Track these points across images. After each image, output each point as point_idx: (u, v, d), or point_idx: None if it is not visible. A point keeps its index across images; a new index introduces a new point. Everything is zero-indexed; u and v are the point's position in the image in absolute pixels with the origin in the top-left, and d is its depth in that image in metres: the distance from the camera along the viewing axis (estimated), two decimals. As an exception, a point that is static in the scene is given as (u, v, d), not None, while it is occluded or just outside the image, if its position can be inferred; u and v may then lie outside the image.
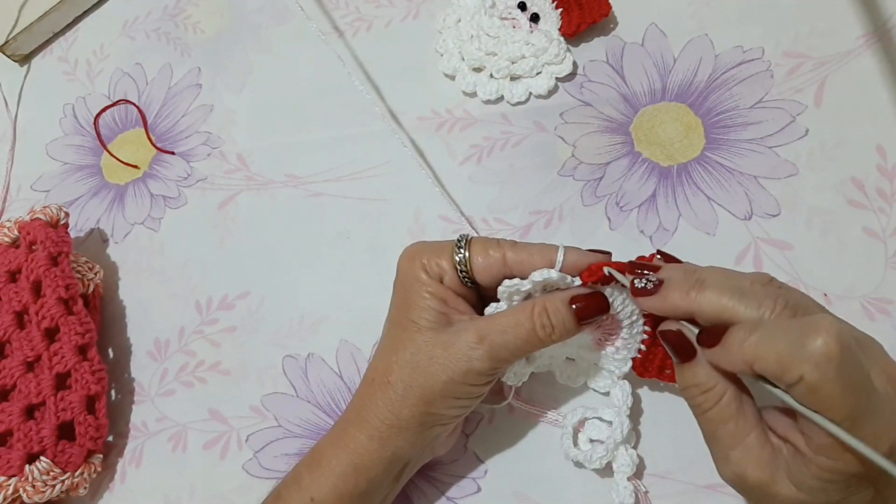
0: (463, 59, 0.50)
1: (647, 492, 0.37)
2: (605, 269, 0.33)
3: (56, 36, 0.63)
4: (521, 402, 0.40)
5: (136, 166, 0.55)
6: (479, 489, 0.40)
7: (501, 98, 0.49)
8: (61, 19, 0.62)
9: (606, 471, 0.38)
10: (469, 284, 0.35)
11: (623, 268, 0.33)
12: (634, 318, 0.35)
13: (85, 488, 0.43)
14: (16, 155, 0.58)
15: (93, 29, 0.62)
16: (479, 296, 0.36)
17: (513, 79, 0.49)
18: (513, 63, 0.49)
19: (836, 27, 0.46)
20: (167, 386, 0.47)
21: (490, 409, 0.41)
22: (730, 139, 0.44)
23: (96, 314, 0.48)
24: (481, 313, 0.35)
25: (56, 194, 0.55)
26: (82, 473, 0.42)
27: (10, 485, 0.41)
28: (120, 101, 0.57)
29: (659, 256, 0.34)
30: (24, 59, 0.62)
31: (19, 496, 0.41)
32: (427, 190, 0.45)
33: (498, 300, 0.35)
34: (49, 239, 0.46)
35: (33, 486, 0.41)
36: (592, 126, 0.47)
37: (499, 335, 0.33)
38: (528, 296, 0.35)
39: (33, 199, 0.56)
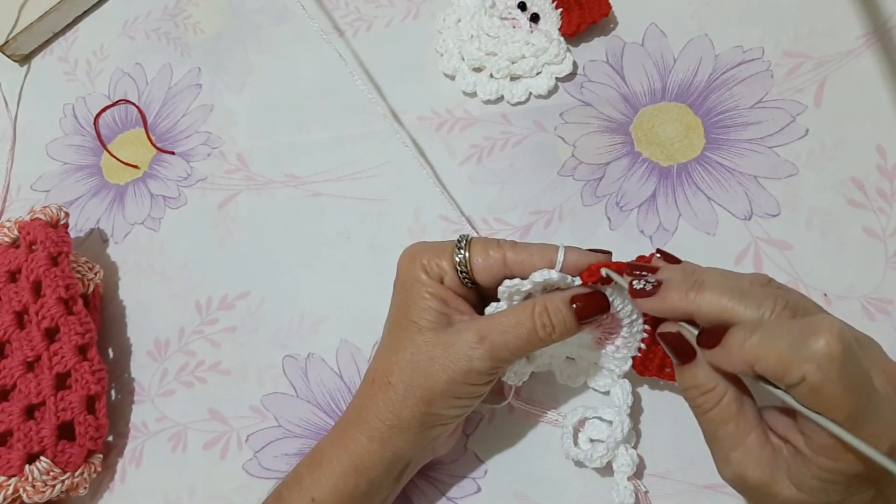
0: (463, 59, 0.50)
1: (647, 492, 0.37)
2: (603, 271, 0.33)
3: (56, 36, 0.63)
4: (521, 401, 0.40)
5: (136, 166, 0.55)
6: (479, 489, 0.40)
7: (501, 98, 0.49)
8: (61, 19, 0.62)
9: (606, 471, 0.38)
10: (469, 285, 0.35)
11: (622, 268, 0.33)
12: (634, 316, 0.35)
13: (85, 488, 0.43)
14: (16, 155, 0.58)
15: (93, 29, 0.62)
16: (480, 296, 0.36)
17: (513, 79, 0.49)
18: (513, 63, 0.49)
19: (836, 27, 0.46)
20: (167, 386, 0.47)
21: (490, 409, 0.41)
22: (730, 139, 0.44)
23: (96, 314, 0.48)
24: (481, 313, 0.35)
25: (56, 194, 0.55)
26: (82, 473, 0.42)
27: (10, 485, 0.41)
28: (120, 101, 0.57)
29: (659, 256, 0.34)
30: (24, 59, 0.62)
31: (19, 496, 0.41)
32: (427, 190, 0.45)
33: (498, 300, 0.35)
34: (49, 239, 0.46)
35: (33, 486, 0.41)
36: (592, 126, 0.47)
37: (499, 335, 0.33)
38: (529, 295, 0.35)
39: (33, 199, 0.56)
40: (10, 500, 0.41)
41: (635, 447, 0.38)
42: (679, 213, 0.43)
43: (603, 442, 0.37)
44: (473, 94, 0.50)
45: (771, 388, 0.27)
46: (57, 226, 0.47)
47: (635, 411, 0.39)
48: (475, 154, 0.48)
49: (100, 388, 0.44)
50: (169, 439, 0.45)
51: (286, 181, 0.51)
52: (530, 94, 0.49)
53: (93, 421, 0.43)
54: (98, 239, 0.53)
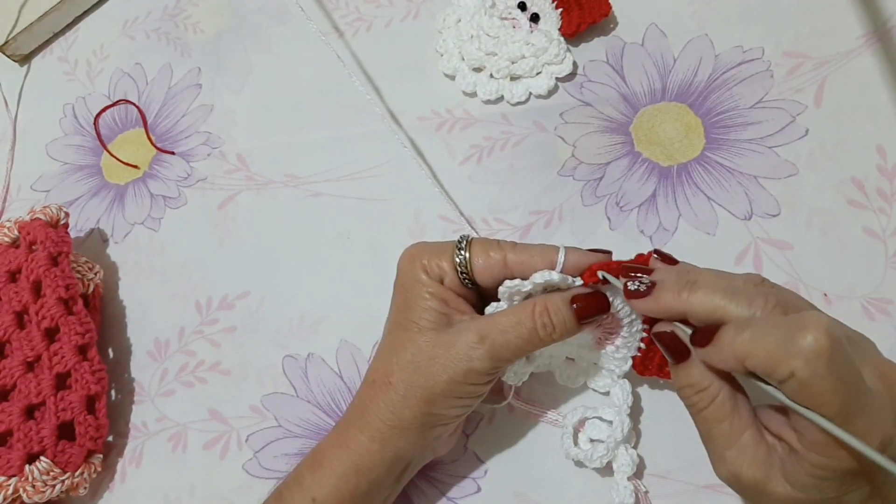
0: (463, 59, 0.50)
1: (647, 492, 0.37)
2: (600, 274, 0.33)
3: (56, 36, 0.63)
4: (521, 401, 0.40)
5: (136, 166, 0.55)
6: (479, 489, 0.40)
7: (501, 98, 0.49)
8: (61, 19, 0.62)
9: (606, 471, 0.38)
10: (469, 285, 0.35)
11: (618, 269, 0.33)
12: (634, 316, 0.35)
13: (85, 488, 0.43)
14: (16, 155, 0.58)
15: (93, 29, 0.62)
16: (479, 296, 0.36)
17: (513, 79, 0.49)
18: (513, 63, 0.49)
19: (836, 27, 0.46)
20: (167, 386, 0.47)
21: (490, 409, 0.41)
22: (730, 139, 0.44)
23: (96, 314, 0.48)
24: (481, 313, 0.35)
25: (56, 194, 0.55)
26: (82, 473, 0.42)
27: (10, 485, 0.41)
28: (120, 101, 0.57)
29: (656, 256, 0.34)
30: (24, 59, 0.62)
31: (19, 496, 0.41)
32: (427, 190, 0.45)
33: (498, 300, 0.35)
34: (49, 239, 0.46)
35: (33, 486, 0.41)
36: (592, 126, 0.47)
37: (500, 335, 0.33)
38: (529, 296, 0.35)
39: (33, 199, 0.56)
40: (10, 500, 0.41)
41: (635, 447, 0.38)
42: (679, 213, 0.43)
43: (603, 442, 0.37)
44: (473, 94, 0.50)
45: (762, 384, 0.28)
46: (57, 226, 0.47)
47: (635, 411, 0.39)
48: (475, 154, 0.48)
49: (100, 388, 0.44)
50: (169, 439, 0.45)
51: (286, 181, 0.51)
52: (530, 94, 0.49)
53: (93, 421, 0.43)
54: (98, 239, 0.53)
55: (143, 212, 0.53)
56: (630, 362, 0.37)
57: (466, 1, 0.51)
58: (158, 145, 0.55)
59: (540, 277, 0.33)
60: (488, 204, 0.46)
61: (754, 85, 0.45)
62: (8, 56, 0.61)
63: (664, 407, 0.39)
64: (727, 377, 0.30)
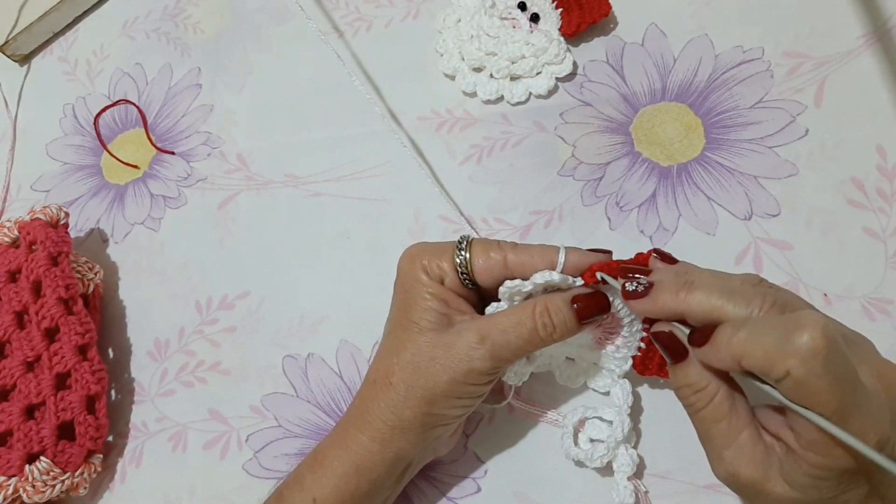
0: (463, 59, 0.50)
1: (647, 492, 0.37)
2: (598, 275, 0.33)
3: (56, 36, 0.63)
4: (521, 401, 0.40)
5: (136, 166, 0.55)
6: (479, 489, 0.40)
7: (501, 98, 0.49)
8: (61, 19, 0.62)
9: (606, 471, 0.38)
10: (469, 286, 0.35)
11: (617, 269, 0.33)
12: (634, 316, 0.35)
13: (85, 488, 0.43)
14: (16, 155, 0.58)
15: (93, 29, 0.62)
16: (480, 296, 0.37)
17: (513, 79, 0.49)
18: (513, 63, 0.49)
19: (836, 27, 0.46)
20: (167, 386, 0.47)
21: (490, 409, 0.41)
22: (730, 139, 0.44)
23: (96, 314, 0.48)
24: (482, 313, 0.35)
25: (56, 194, 0.55)
26: (82, 473, 0.42)
27: (10, 485, 0.41)
28: (120, 101, 0.57)
29: (655, 255, 0.34)
30: (24, 59, 0.62)
31: (19, 496, 0.41)
32: (427, 190, 0.45)
33: (498, 300, 0.35)
34: (49, 239, 0.46)
35: (33, 486, 0.41)
36: (592, 126, 0.47)
37: (500, 335, 0.33)
38: (529, 296, 0.35)
39: (33, 199, 0.56)
40: (10, 500, 0.41)
41: (635, 447, 0.38)
42: (679, 213, 0.43)
43: (603, 442, 0.37)
44: (473, 94, 0.50)
45: (759, 383, 0.28)
46: (57, 226, 0.47)
47: (635, 411, 0.39)
48: (475, 154, 0.48)
49: (100, 388, 0.44)
50: (169, 439, 0.45)
51: (286, 181, 0.51)
52: (530, 94, 0.49)
53: (93, 421, 0.43)
54: (98, 239, 0.53)
55: (143, 212, 0.53)
56: (630, 362, 0.37)
57: (466, 1, 0.51)
58: (158, 145, 0.55)
59: (540, 278, 0.33)
60: (488, 204, 0.46)
61: (754, 85, 0.45)
62: (8, 56, 0.61)
63: (664, 407, 0.39)
64: (725, 377, 0.30)
